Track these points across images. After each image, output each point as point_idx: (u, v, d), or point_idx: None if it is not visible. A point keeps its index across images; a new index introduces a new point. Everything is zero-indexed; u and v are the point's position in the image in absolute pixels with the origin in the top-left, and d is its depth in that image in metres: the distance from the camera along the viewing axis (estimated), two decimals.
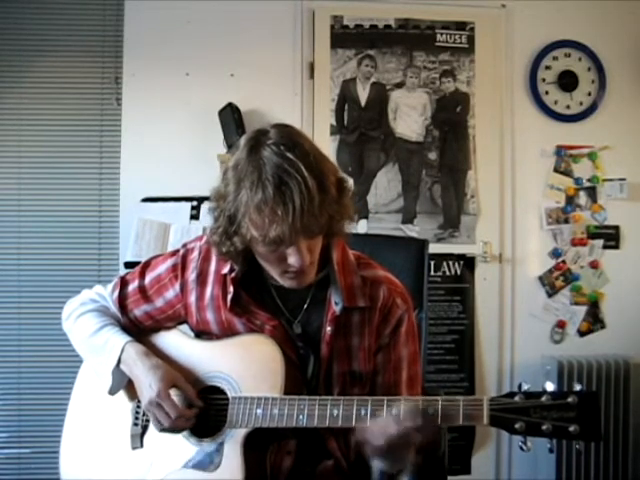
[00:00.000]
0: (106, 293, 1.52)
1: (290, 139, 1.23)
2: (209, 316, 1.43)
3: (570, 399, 1.10)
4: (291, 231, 1.18)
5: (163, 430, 1.34)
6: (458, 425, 1.16)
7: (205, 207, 2.90)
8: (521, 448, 1.13)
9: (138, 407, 1.42)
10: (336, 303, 1.36)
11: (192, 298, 1.44)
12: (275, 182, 1.17)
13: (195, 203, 2.91)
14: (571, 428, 1.09)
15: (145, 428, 1.41)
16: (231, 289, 1.38)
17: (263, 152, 1.20)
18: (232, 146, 2.81)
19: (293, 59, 3.01)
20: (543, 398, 1.12)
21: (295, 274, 1.29)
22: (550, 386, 1.13)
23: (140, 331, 1.49)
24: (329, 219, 1.24)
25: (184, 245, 1.50)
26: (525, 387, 1.14)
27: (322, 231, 1.26)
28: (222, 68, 2.99)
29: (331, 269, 1.38)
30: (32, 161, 2.97)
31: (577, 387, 1.12)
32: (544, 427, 1.10)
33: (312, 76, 3.02)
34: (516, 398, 1.13)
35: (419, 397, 1.21)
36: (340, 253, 1.40)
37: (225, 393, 1.35)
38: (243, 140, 1.27)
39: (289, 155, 1.19)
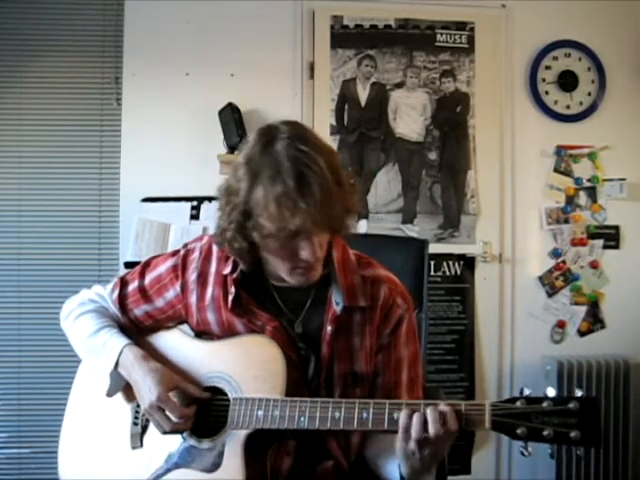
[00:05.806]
0: (105, 293, 1.52)
1: (303, 133, 1.25)
2: (210, 317, 1.42)
3: (571, 405, 1.10)
4: (311, 222, 1.19)
5: (166, 433, 1.34)
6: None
7: (205, 207, 2.90)
8: (522, 453, 1.13)
9: (138, 406, 1.42)
10: (337, 303, 1.35)
11: (193, 298, 1.44)
12: (295, 175, 1.18)
13: (195, 203, 2.92)
14: (572, 434, 1.09)
15: (145, 428, 1.41)
16: (233, 289, 1.37)
17: (277, 146, 1.22)
18: (232, 146, 2.82)
19: (293, 59, 3.01)
20: (544, 404, 1.11)
21: (304, 270, 1.29)
22: (551, 391, 1.13)
23: (140, 331, 1.49)
24: (343, 213, 1.26)
25: (185, 245, 1.50)
26: (527, 392, 1.14)
27: (337, 225, 1.28)
28: (222, 68, 2.98)
29: (332, 268, 1.37)
30: (32, 161, 2.96)
31: (578, 393, 1.12)
32: (545, 433, 1.10)
33: (312, 76, 3.02)
34: (517, 403, 1.13)
35: (421, 401, 1.20)
36: (340, 252, 1.39)
37: (226, 394, 1.34)
38: (254, 136, 1.27)
39: (305, 148, 1.21)
